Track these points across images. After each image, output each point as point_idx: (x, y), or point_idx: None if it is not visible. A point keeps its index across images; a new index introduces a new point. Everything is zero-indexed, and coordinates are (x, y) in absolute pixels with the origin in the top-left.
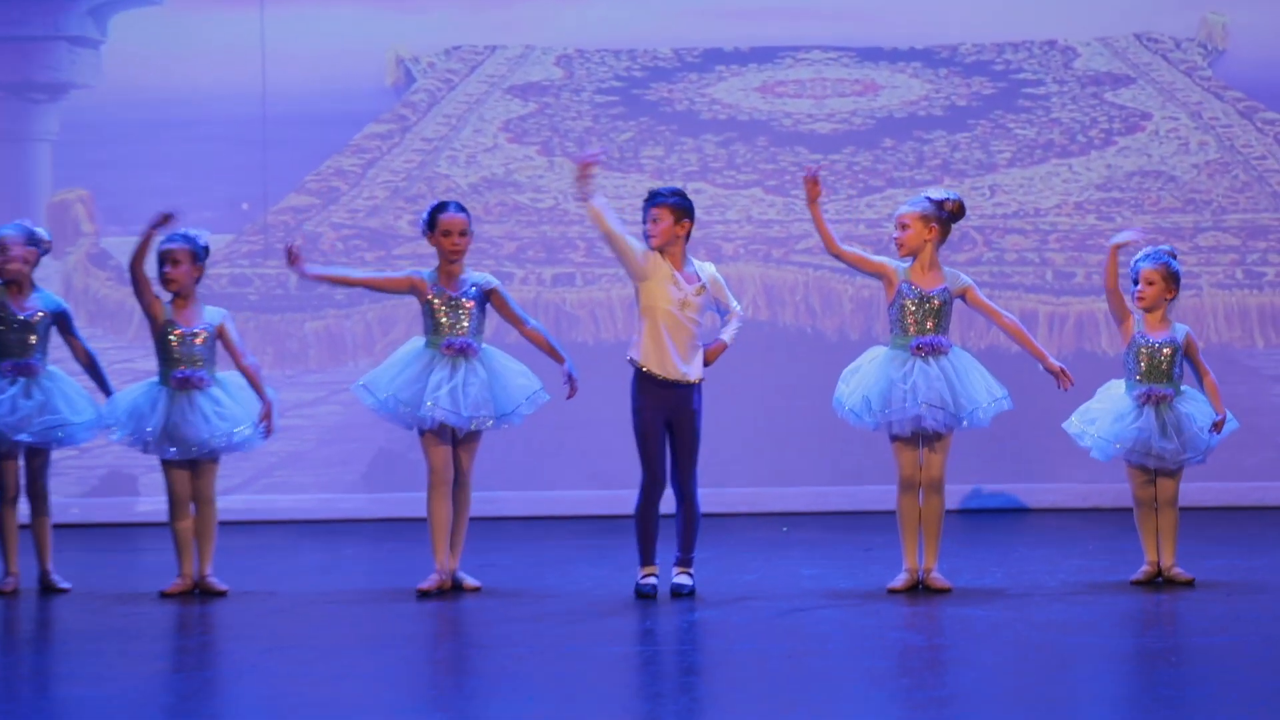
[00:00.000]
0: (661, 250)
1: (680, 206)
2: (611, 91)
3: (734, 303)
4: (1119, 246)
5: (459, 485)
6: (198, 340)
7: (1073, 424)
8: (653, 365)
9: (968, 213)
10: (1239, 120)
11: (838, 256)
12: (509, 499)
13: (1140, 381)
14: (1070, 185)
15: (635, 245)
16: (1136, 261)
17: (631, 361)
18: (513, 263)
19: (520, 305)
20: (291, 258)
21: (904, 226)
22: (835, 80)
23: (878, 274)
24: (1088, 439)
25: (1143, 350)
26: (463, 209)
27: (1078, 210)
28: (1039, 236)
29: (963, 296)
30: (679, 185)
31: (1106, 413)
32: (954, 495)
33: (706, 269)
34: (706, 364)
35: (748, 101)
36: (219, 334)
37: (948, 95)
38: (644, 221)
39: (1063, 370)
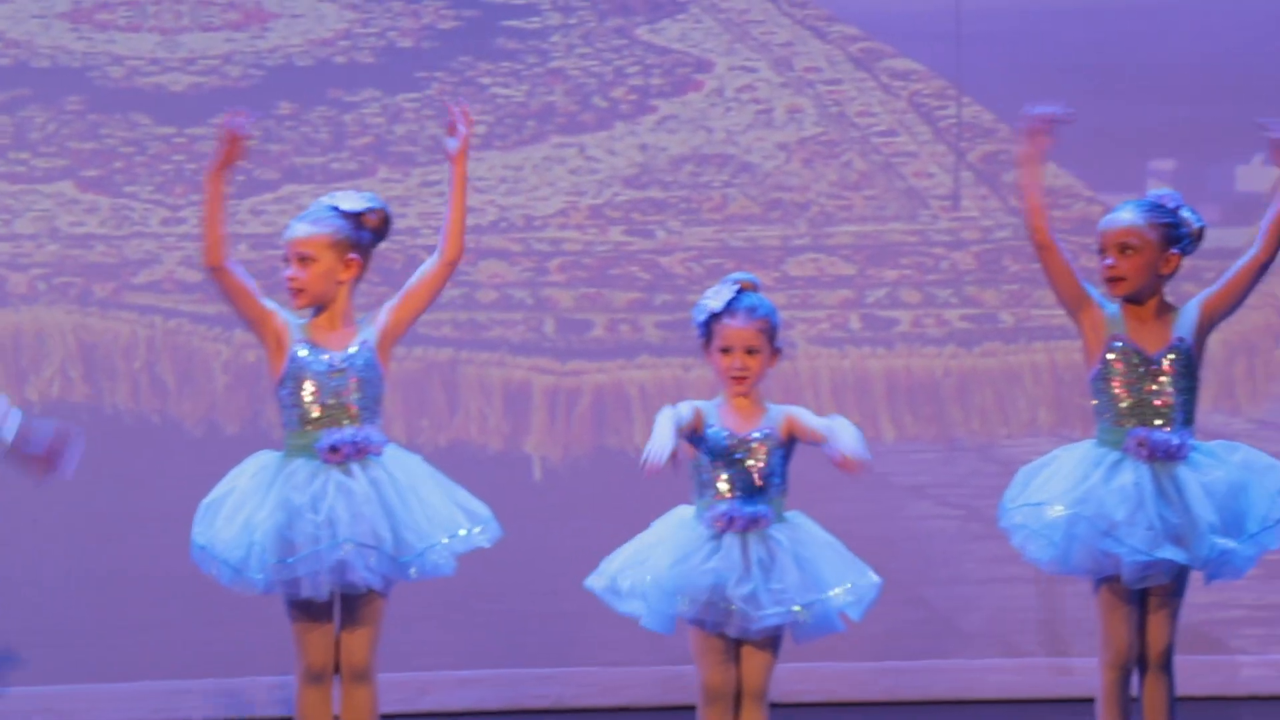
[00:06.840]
0: None
1: None
2: None
3: None
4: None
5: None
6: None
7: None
8: None
9: (389, 232)
10: (853, 73)
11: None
12: None
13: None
14: (582, 179)
15: None
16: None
17: None
18: None
19: None
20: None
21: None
22: (193, 3)
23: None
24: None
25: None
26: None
27: (595, 219)
28: (532, 263)
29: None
30: None
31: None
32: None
33: None
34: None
35: (48, 36)
36: None
37: (383, 29)
38: None
39: None
